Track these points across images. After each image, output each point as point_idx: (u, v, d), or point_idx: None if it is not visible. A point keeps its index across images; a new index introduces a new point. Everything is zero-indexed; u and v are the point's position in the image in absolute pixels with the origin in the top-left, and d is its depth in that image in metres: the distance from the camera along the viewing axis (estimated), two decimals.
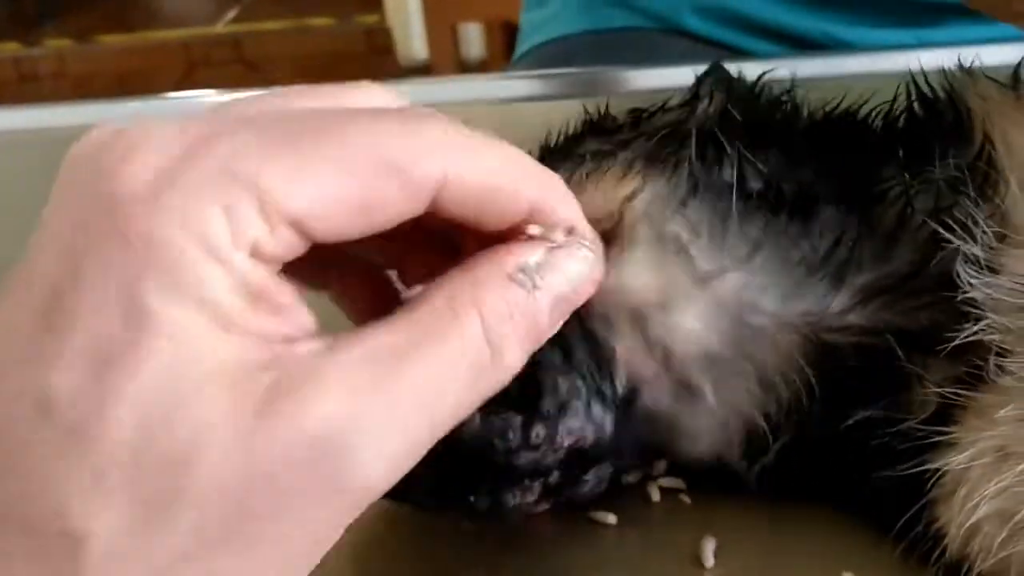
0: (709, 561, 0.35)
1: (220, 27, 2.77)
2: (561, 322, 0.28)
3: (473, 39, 2.54)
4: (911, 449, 0.33)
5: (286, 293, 0.25)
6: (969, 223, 0.33)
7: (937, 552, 0.33)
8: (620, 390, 0.34)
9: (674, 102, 0.40)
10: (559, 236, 0.29)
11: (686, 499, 0.38)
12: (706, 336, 0.34)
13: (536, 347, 0.28)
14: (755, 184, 0.35)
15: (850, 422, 0.33)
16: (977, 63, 0.39)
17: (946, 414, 0.33)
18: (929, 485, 0.33)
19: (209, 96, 0.69)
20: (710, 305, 0.34)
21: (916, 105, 0.38)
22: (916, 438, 0.33)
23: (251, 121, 0.26)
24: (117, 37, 2.68)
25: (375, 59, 2.58)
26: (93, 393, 0.23)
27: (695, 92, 0.40)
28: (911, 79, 0.38)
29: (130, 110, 0.67)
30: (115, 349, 0.23)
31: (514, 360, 0.27)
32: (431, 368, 0.25)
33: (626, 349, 0.34)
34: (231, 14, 2.83)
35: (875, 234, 0.34)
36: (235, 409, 0.23)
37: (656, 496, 0.38)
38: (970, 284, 0.32)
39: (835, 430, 0.33)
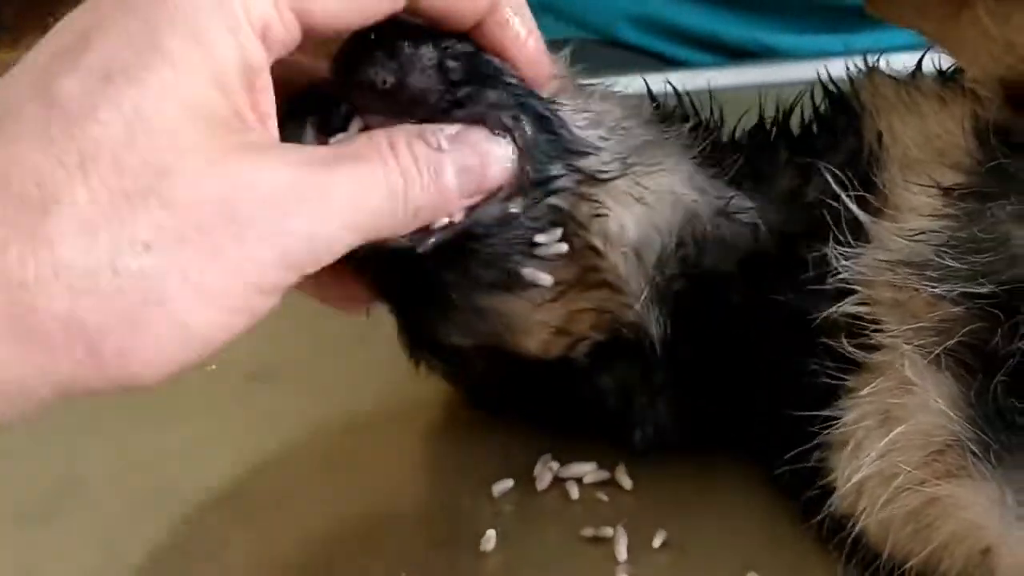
0: (622, 556, 0.38)
1: None
2: (471, 191, 0.32)
3: None
4: (817, 390, 0.35)
5: (268, 102, 0.29)
6: (847, 202, 0.36)
7: (827, 506, 0.35)
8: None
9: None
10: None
11: (603, 496, 0.41)
12: None
13: (438, 204, 0.32)
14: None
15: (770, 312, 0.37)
16: (884, 64, 0.43)
17: (849, 364, 0.35)
18: (824, 428, 0.35)
19: None
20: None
21: (824, 104, 0.42)
22: (824, 378, 0.35)
23: None
24: None
25: None
26: (95, 94, 0.26)
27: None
28: (829, 80, 0.43)
29: None
30: (122, 67, 0.27)
31: (420, 201, 0.31)
32: (355, 177, 0.29)
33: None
34: None
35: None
36: (212, 143, 0.27)
37: (575, 494, 0.41)
38: (842, 258, 0.35)
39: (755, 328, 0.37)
